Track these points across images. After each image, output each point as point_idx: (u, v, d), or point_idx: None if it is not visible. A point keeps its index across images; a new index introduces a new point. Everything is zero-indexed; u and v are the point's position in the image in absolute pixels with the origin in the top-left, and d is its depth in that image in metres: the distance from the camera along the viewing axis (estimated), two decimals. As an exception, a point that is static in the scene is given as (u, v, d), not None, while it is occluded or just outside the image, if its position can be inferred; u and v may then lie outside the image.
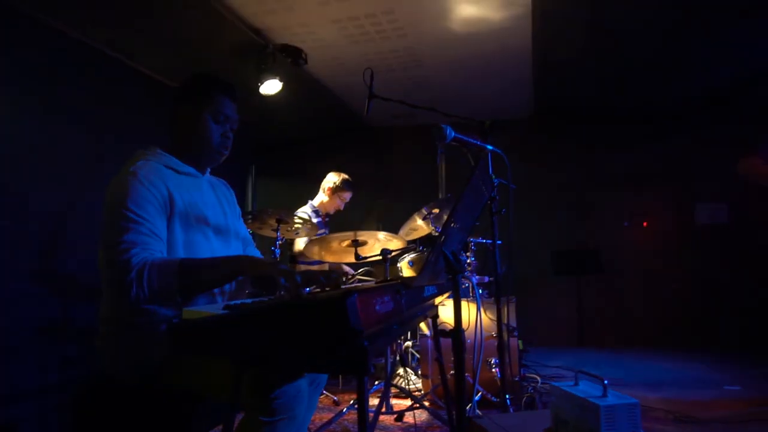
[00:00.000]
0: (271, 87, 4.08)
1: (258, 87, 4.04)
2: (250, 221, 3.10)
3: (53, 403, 2.89)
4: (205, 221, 1.62)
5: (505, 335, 3.21)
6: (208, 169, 1.77)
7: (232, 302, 1.19)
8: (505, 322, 3.22)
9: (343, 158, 5.77)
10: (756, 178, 2.71)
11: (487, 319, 3.23)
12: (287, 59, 4.10)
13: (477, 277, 3.52)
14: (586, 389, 1.16)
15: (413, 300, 1.43)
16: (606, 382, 1.12)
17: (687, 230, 5.86)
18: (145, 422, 1.50)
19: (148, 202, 1.45)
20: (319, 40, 4.07)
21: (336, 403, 3.33)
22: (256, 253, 1.93)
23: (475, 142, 1.83)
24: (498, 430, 1.23)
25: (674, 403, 3.24)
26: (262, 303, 1.17)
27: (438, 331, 1.75)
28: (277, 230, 3.05)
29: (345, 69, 4.62)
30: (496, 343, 3.14)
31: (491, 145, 2.14)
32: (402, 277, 2.63)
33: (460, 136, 1.75)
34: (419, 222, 3.44)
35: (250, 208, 5.95)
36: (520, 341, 3.51)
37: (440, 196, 6.17)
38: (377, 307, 1.08)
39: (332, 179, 4.06)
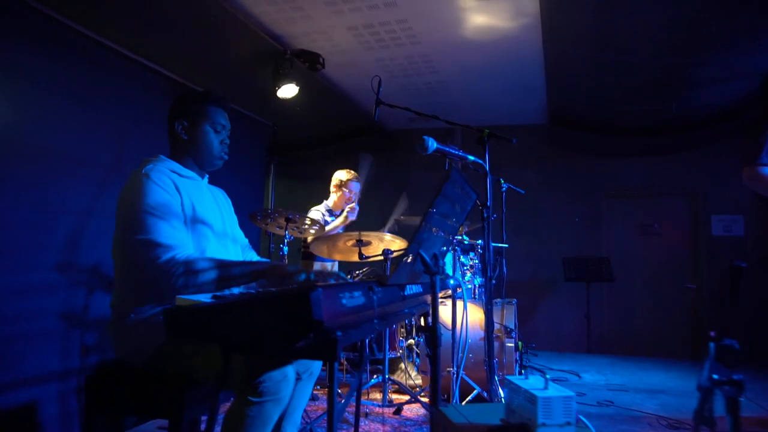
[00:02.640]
0: (287, 91, 4.23)
1: (275, 91, 4.21)
2: (259, 219, 3.27)
3: (72, 387, 3.08)
4: (207, 224, 1.78)
5: (503, 336, 3.31)
6: (207, 176, 1.96)
7: (219, 293, 1.33)
8: (502, 323, 3.32)
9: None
10: (758, 188, 2.69)
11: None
12: (304, 64, 4.26)
13: (482, 278, 3.61)
14: (533, 383, 1.27)
15: (390, 297, 1.54)
16: (548, 376, 1.23)
17: (702, 242, 5.84)
18: (144, 403, 1.65)
19: (167, 201, 1.63)
20: (336, 45, 4.22)
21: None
22: (255, 256, 2.10)
23: (456, 152, 1.95)
24: (459, 417, 1.35)
25: (670, 410, 3.29)
26: (244, 294, 1.31)
27: (419, 327, 1.87)
28: (285, 229, 3.22)
29: (361, 74, 4.75)
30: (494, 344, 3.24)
31: (491, 152, 2.23)
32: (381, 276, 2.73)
33: (441, 147, 1.86)
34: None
35: (269, 207, 6.13)
36: (519, 342, 3.60)
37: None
38: (344, 301, 1.21)
39: (337, 176, 4.26)
